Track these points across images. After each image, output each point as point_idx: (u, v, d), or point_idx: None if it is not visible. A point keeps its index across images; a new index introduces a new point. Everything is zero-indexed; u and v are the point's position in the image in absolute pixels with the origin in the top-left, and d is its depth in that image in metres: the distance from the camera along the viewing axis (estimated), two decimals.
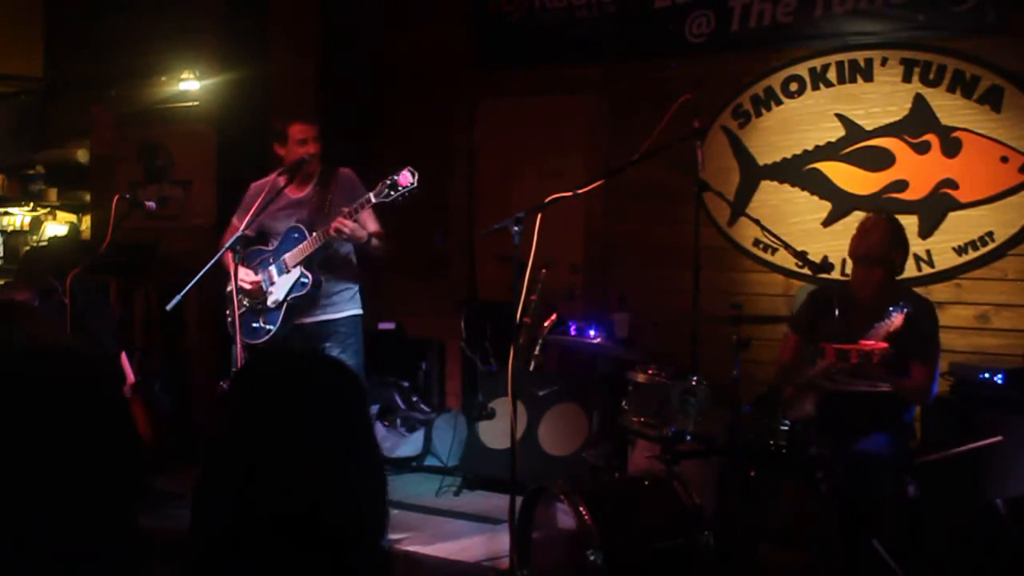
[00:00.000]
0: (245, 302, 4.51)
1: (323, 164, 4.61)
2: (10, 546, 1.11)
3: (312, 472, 1.32)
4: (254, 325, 4.53)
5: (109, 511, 1.19)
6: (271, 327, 4.49)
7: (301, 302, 4.47)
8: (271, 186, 4.46)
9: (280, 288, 4.48)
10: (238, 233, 4.25)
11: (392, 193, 4.14)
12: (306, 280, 4.42)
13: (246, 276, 4.48)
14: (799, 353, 4.22)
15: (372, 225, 4.49)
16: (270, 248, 4.59)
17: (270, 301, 4.49)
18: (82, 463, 1.17)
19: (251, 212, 4.36)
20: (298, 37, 6.75)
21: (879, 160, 5.19)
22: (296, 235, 4.46)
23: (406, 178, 4.10)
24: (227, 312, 4.48)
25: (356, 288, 4.66)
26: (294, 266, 4.44)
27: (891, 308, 3.62)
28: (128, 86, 6.97)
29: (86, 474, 1.17)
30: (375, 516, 1.41)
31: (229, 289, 4.43)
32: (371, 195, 4.20)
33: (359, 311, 4.67)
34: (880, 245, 4.04)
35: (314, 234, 4.38)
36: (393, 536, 4.78)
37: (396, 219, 4.68)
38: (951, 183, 5.02)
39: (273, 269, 4.51)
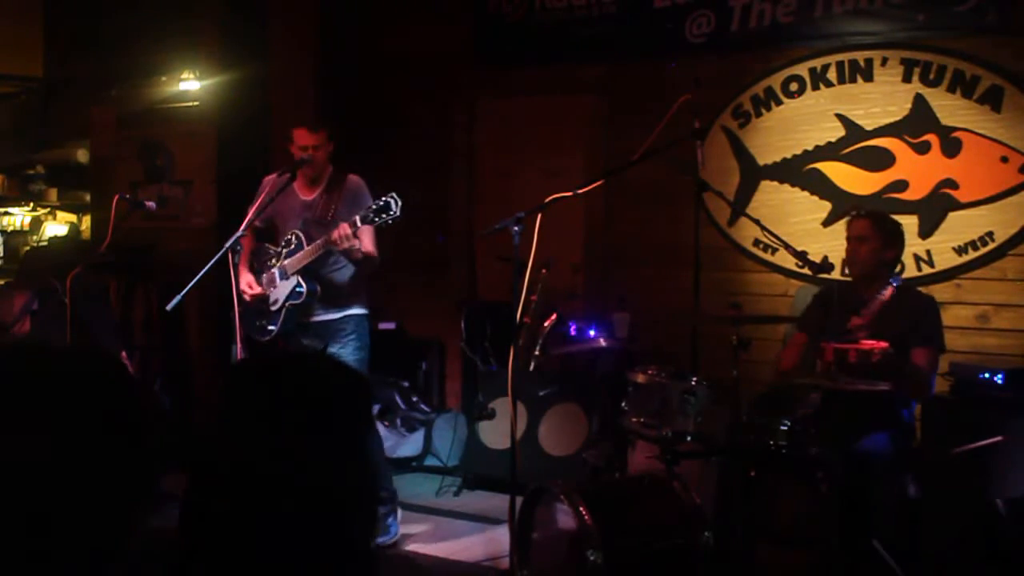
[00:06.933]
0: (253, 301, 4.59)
1: (334, 169, 4.63)
2: (22, 545, 1.12)
3: (297, 468, 1.28)
4: (259, 323, 4.58)
5: (124, 507, 1.20)
6: (272, 327, 4.55)
7: (299, 306, 4.51)
8: (272, 185, 4.50)
9: (281, 292, 4.55)
10: (237, 234, 4.26)
11: (376, 220, 4.21)
12: (301, 289, 4.49)
13: (249, 287, 4.54)
14: (804, 353, 4.22)
15: (368, 245, 4.51)
16: (276, 248, 4.64)
17: (271, 304, 4.55)
18: (98, 461, 1.17)
19: (250, 213, 4.38)
20: (298, 37, 6.75)
21: (879, 160, 5.19)
22: (296, 241, 4.51)
23: (391, 206, 4.17)
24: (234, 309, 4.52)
25: (359, 287, 4.66)
26: (293, 274, 4.49)
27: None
28: (128, 86, 6.96)
29: (101, 471, 1.18)
30: (364, 514, 1.40)
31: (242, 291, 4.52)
32: (357, 217, 4.26)
33: (362, 310, 4.66)
34: (872, 260, 4.10)
35: (316, 242, 4.42)
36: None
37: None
38: (951, 183, 5.02)
39: (276, 272, 4.57)
